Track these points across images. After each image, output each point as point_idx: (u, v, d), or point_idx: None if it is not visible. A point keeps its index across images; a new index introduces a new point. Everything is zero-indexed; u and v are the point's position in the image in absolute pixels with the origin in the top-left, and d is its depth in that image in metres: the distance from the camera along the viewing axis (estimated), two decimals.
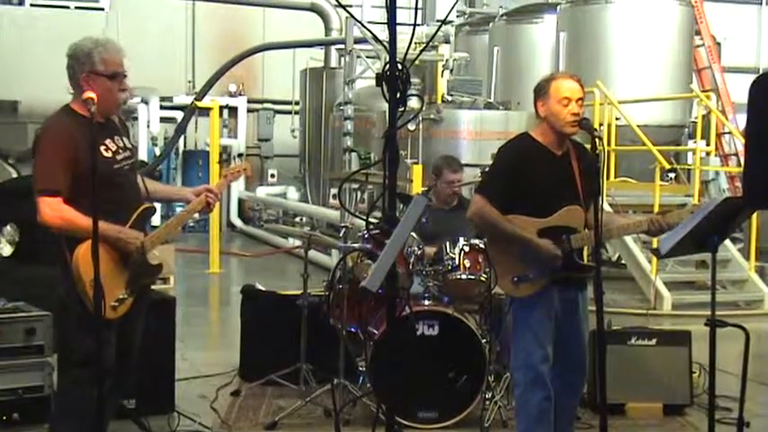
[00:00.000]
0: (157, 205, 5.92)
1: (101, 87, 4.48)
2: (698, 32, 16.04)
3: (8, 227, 7.98)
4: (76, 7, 19.04)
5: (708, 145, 13.61)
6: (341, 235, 7.23)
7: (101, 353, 4.26)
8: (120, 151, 4.66)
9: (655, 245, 7.73)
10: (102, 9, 19.28)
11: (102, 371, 4.31)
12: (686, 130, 15.06)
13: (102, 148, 4.54)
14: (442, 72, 13.54)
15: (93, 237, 4.12)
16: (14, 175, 12.54)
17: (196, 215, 5.51)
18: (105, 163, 4.50)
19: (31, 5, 18.94)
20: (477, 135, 12.67)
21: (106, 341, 4.37)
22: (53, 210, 4.38)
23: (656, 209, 11.14)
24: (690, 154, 14.53)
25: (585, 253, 5.00)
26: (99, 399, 4.27)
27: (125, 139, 4.76)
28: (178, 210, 8.90)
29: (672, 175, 13.42)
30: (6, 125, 14.95)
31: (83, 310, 4.37)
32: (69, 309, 4.52)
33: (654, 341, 6.72)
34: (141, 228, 4.65)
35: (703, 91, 15.31)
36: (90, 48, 4.54)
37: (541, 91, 4.95)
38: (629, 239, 11.54)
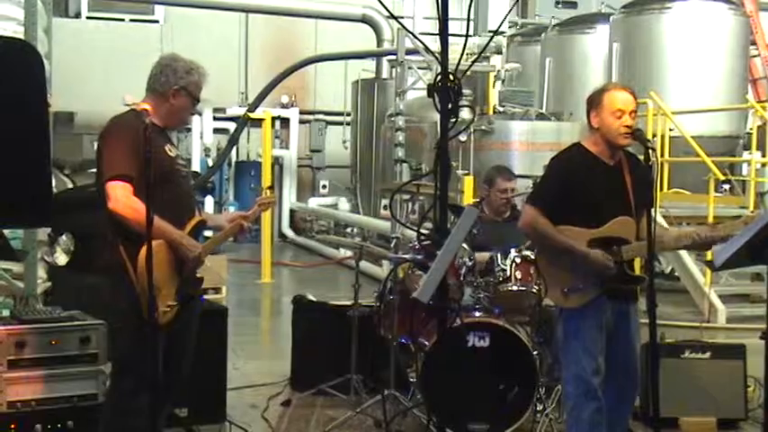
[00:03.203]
0: None
1: (181, 104, 4.69)
2: (753, 42, 15.88)
3: (63, 236, 8.08)
4: (131, 20, 19.31)
5: (763, 156, 13.44)
6: (392, 246, 7.24)
7: (156, 361, 4.31)
8: (179, 159, 4.81)
9: (709, 257, 7.64)
10: (157, 21, 19.53)
11: (153, 380, 4.36)
12: (741, 140, 14.89)
13: (167, 147, 4.68)
14: (494, 83, 13.51)
15: (147, 237, 4.17)
16: (70, 185, 12.67)
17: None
18: (168, 160, 4.64)
19: (88, 18, 19.23)
20: (528, 146, 12.62)
21: (156, 350, 4.40)
22: (126, 197, 4.41)
23: (710, 221, 11.02)
24: (745, 165, 14.37)
25: (638, 265, 4.97)
26: (151, 408, 4.32)
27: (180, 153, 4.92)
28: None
29: (726, 186, 13.29)
30: (62, 136, 15.13)
31: (140, 318, 4.40)
32: (129, 318, 4.54)
33: (708, 354, 6.65)
34: (195, 239, 4.72)
35: (759, 101, 15.15)
36: (191, 68, 4.72)
37: (594, 102, 4.93)
38: (682, 251, 11.42)
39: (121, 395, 4.66)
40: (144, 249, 4.32)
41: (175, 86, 4.65)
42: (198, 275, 4.83)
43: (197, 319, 4.96)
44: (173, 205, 4.54)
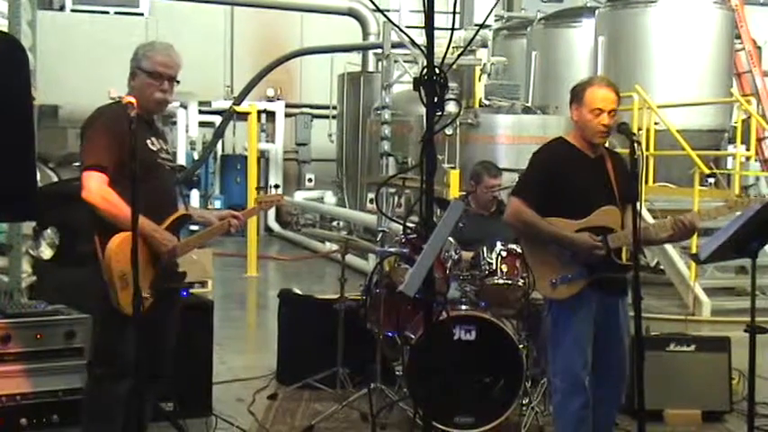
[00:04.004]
0: None
1: (139, 83, 4.65)
2: (738, 36, 15.90)
3: (48, 230, 8.06)
4: (116, 12, 19.23)
5: (748, 149, 13.49)
6: (378, 239, 7.24)
7: (140, 351, 4.32)
8: (163, 152, 4.78)
9: (694, 250, 7.66)
10: (142, 14, 19.47)
11: (126, 370, 4.42)
12: (726, 134, 14.94)
13: (148, 141, 4.67)
14: (480, 76, 13.51)
15: (133, 228, 4.16)
16: (55, 179, 12.64)
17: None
18: (149, 153, 4.63)
19: (72, 11, 19.14)
20: (514, 139, 12.63)
21: (128, 340, 4.40)
22: (99, 187, 4.43)
23: None
24: (730, 159, 14.41)
25: (624, 256, 4.97)
26: (129, 396, 4.33)
27: (167, 147, 4.89)
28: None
29: (711, 180, 13.32)
30: (47, 129, 15.10)
31: (108, 307, 4.43)
32: (100, 307, 4.56)
33: (693, 347, 6.67)
34: (175, 233, 4.71)
35: (743, 95, 15.17)
36: (139, 47, 4.72)
37: (576, 96, 4.94)
38: (667, 244, 11.44)
39: (95, 383, 4.68)
40: (113, 240, 4.38)
41: (130, 71, 4.67)
42: (180, 270, 4.81)
43: (177, 313, 4.93)
44: (151, 198, 4.49)
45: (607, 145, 5.11)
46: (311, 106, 21.32)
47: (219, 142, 19.39)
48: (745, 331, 4.59)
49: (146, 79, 4.64)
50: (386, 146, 13.17)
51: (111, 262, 4.39)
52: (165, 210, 4.70)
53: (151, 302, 4.54)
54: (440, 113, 3.59)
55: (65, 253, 7.91)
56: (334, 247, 14.78)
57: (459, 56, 11.82)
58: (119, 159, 4.42)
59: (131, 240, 4.26)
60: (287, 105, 20.98)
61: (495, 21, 17.53)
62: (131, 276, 4.32)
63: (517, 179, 5.28)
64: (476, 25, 13.64)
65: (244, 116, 16.97)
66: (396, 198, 12.63)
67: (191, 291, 6.44)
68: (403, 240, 6.48)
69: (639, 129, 12.34)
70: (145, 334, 4.40)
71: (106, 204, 4.43)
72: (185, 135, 18.74)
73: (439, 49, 3.70)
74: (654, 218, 10.54)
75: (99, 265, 4.45)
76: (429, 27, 3.59)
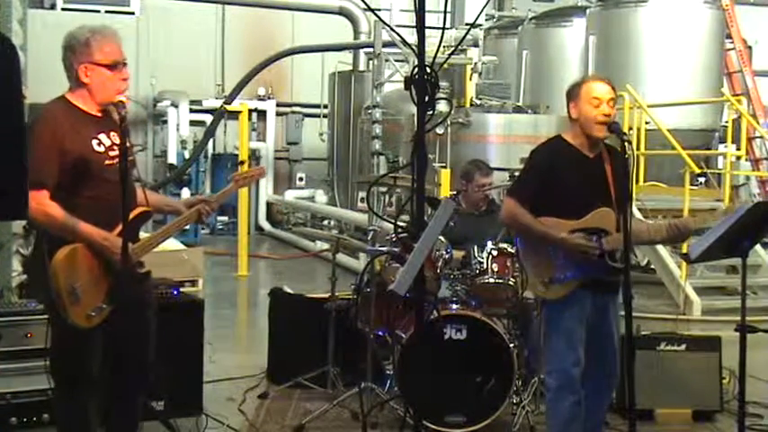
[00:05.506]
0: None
1: (99, 78, 4.37)
2: (729, 36, 15.93)
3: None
4: (107, 11, 19.19)
5: (738, 149, 13.50)
6: (369, 238, 7.23)
7: (86, 359, 4.28)
8: (115, 148, 4.43)
9: (684, 250, 7.64)
10: (133, 13, 19.43)
11: (87, 380, 4.37)
12: (717, 134, 14.96)
13: (95, 142, 4.38)
14: (471, 75, 13.53)
15: (124, 240, 4.12)
16: None
17: (187, 226, 5.34)
18: (93, 156, 4.35)
19: (63, 9, 19.10)
20: (505, 139, 12.64)
21: (88, 351, 4.33)
22: (38, 203, 4.15)
23: (686, 214, 11.07)
24: (720, 158, 14.43)
25: (619, 259, 4.98)
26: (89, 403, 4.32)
27: (125, 140, 4.44)
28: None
29: (702, 179, 13.36)
30: None
31: (59, 318, 4.28)
32: (50, 315, 4.44)
33: (683, 347, 6.68)
34: (135, 232, 4.47)
35: (734, 95, 15.19)
36: (87, 37, 4.36)
37: (573, 93, 4.98)
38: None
39: (55, 391, 4.61)
40: (59, 253, 4.21)
41: (81, 65, 4.35)
42: (143, 270, 4.55)
43: (150, 314, 4.70)
44: (99, 204, 4.30)
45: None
46: (302, 105, 21.30)
47: (210, 141, 19.36)
48: (736, 330, 4.60)
49: (106, 73, 4.36)
50: (377, 145, 13.17)
51: (57, 276, 4.21)
52: (118, 212, 4.26)
53: (112, 311, 4.33)
54: (431, 112, 3.59)
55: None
56: (325, 245, 14.76)
57: (449, 55, 11.82)
58: (60, 166, 4.24)
59: (78, 251, 4.22)
60: (278, 104, 20.95)
61: (486, 20, 17.54)
62: (82, 291, 4.22)
63: (509, 178, 5.31)
64: (467, 24, 13.65)
65: (235, 115, 16.93)
66: (387, 197, 12.62)
67: (181, 289, 6.43)
68: (394, 239, 6.48)
69: (630, 128, 12.35)
70: (115, 342, 4.31)
71: (47, 220, 4.22)
72: (176, 134, 18.71)
73: (430, 49, 3.70)
74: (644, 217, 10.56)
75: (46, 276, 4.26)
76: (420, 26, 3.59)
